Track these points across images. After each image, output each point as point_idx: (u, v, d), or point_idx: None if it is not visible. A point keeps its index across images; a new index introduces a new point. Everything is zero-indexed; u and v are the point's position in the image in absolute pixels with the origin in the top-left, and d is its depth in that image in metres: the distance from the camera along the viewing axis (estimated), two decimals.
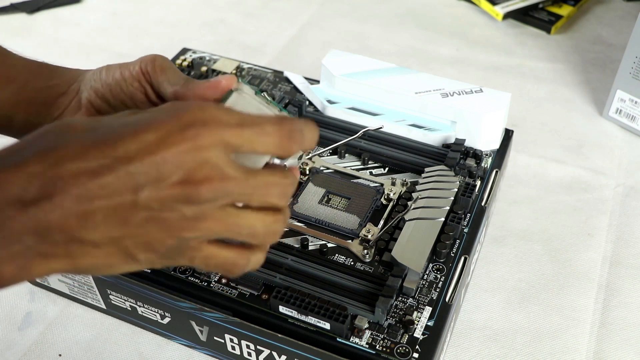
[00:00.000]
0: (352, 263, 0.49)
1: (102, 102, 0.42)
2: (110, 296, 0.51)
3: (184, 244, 0.32)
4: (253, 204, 0.33)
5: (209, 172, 0.30)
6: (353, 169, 0.57)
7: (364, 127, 0.57)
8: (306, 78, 0.65)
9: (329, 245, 0.50)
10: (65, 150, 0.29)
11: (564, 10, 0.94)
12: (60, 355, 0.52)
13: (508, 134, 0.60)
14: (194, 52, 0.71)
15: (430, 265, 0.48)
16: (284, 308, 0.44)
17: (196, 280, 0.47)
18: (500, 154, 0.58)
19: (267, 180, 0.33)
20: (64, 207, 0.29)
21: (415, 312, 0.45)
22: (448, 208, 0.50)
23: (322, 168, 0.57)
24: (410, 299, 0.46)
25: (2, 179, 0.28)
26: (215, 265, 0.34)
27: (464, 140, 0.57)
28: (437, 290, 0.47)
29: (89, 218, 0.29)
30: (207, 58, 0.70)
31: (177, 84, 0.40)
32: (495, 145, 0.59)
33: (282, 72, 0.68)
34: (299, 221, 0.52)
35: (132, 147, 0.29)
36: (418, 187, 0.53)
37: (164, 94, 0.41)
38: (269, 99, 0.39)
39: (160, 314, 0.49)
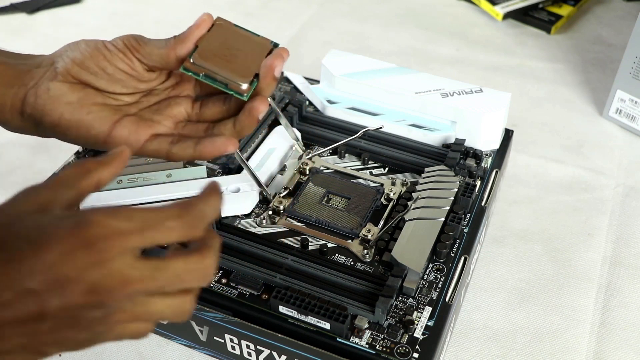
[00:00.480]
0: (352, 263, 0.49)
1: (81, 69, 0.42)
2: None
3: (95, 335, 0.32)
4: (169, 292, 0.32)
5: (113, 281, 0.30)
6: (353, 169, 0.57)
7: (364, 127, 0.57)
8: (306, 78, 0.65)
9: (329, 245, 0.50)
10: None
11: (564, 10, 0.94)
12: (60, 355, 0.52)
13: (508, 134, 0.60)
14: None
15: (430, 265, 0.48)
16: (284, 308, 0.44)
17: None
18: (500, 154, 0.58)
19: (180, 270, 0.32)
20: None
21: (415, 312, 0.45)
22: (448, 208, 0.50)
23: (322, 168, 0.57)
24: (410, 299, 0.46)
25: None
26: (128, 337, 0.34)
27: (464, 140, 0.57)
28: (437, 290, 0.47)
29: None
30: None
31: (163, 46, 0.42)
32: (495, 145, 0.59)
33: (282, 72, 0.68)
34: (299, 221, 0.52)
35: (36, 266, 0.29)
36: (418, 187, 0.53)
37: (154, 60, 0.42)
38: (246, 29, 0.45)
39: None
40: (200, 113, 0.45)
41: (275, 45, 0.45)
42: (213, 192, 0.34)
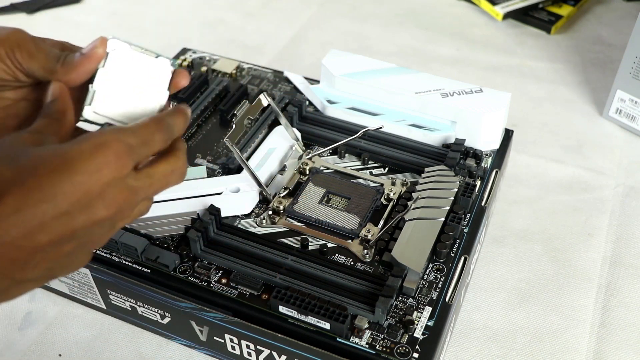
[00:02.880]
0: (352, 263, 0.49)
1: None
2: (110, 296, 0.51)
3: (98, 245, 0.35)
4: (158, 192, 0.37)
5: (126, 194, 0.33)
6: (353, 169, 0.57)
7: (364, 127, 0.57)
8: (306, 78, 0.66)
9: (329, 245, 0.50)
10: None
11: (564, 10, 0.94)
12: (60, 355, 0.52)
13: (508, 134, 0.60)
14: (194, 52, 0.71)
15: (430, 265, 0.48)
16: (284, 308, 0.44)
17: (196, 280, 0.47)
18: (500, 154, 0.58)
19: (165, 172, 0.36)
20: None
21: (415, 312, 0.45)
22: (448, 208, 0.50)
23: (322, 168, 0.57)
24: (410, 299, 0.46)
25: None
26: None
27: (464, 140, 0.57)
28: (437, 290, 0.47)
29: (28, 261, 0.30)
30: (207, 58, 0.70)
31: (50, 68, 0.37)
32: (495, 145, 0.59)
33: (282, 72, 0.68)
34: (299, 221, 0.52)
35: (67, 188, 0.31)
36: (418, 187, 0.53)
37: (36, 76, 0.38)
38: (143, 47, 0.40)
39: (160, 314, 0.49)
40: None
41: (174, 64, 0.41)
42: (180, 112, 0.38)
